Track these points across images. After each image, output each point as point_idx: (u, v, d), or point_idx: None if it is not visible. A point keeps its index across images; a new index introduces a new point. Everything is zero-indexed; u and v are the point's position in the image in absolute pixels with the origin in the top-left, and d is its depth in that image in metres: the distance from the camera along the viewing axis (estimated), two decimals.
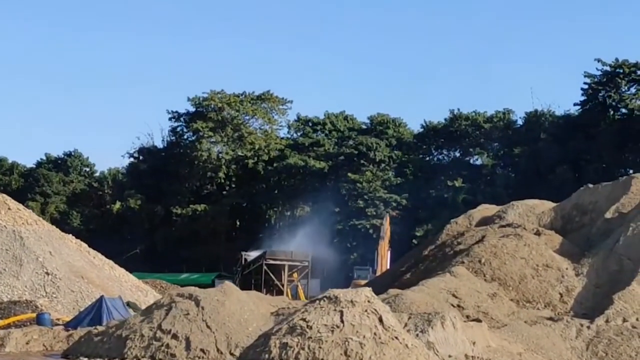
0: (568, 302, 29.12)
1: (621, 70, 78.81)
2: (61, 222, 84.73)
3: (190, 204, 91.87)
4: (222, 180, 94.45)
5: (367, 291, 18.97)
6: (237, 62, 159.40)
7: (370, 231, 78.57)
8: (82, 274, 37.90)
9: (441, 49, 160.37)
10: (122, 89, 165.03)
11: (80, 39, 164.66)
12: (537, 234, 32.92)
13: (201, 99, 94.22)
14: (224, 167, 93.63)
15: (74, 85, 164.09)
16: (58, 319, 31.82)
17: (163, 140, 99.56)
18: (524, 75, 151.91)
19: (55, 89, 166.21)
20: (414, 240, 73.45)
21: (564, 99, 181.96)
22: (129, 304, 33.78)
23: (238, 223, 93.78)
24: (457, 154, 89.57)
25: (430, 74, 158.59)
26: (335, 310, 18.16)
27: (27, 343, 26.78)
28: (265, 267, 59.79)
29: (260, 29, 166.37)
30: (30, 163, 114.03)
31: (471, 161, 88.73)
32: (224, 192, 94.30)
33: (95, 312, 30.21)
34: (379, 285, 31.66)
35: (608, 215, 33.61)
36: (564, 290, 29.56)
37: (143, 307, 32.13)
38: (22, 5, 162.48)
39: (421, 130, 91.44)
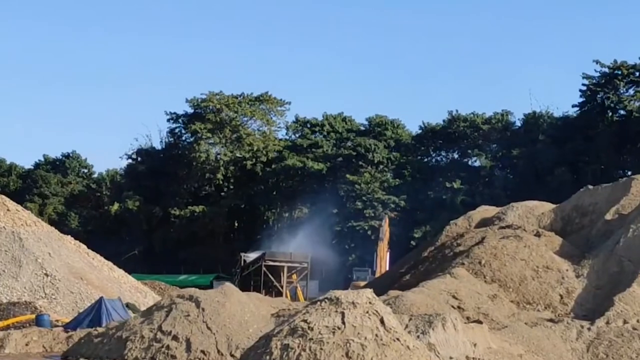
0: (568, 303, 29.05)
1: (619, 72, 78.89)
2: (59, 224, 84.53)
3: (188, 205, 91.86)
4: (220, 182, 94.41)
5: (369, 292, 18.92)
6: (235, 63, 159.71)
7: (369, 232, 78.55)
8: (81, 275, 37.84)
9: (440, 51, 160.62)
10: (120, 90, 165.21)
11: (78, 41, 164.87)
12: (537, 235, 32.84)
13: (199, 100, 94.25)
14: (222, 168, 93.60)
15: (72, 87, 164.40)
16: (57, 320, 31.77)
17: (161, 141, 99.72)
18: (522, 76, 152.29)
19: (54, 91, 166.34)
20: (412, 242, 73.43)
21: (563, 100, 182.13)
22: (128, 305, 33.73)
23: (236, 224, 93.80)
24: (456, 156, 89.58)
25: (428, 75, 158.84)
26: (336, 311, 18.10)
27: (26, 344, 26.72)
28: (264, 268, 59.67)
29: (258, 31, 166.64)
30: (28, 164, 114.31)
31: (469, 163, 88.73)
32: (222, 194, 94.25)
33: (94, 314, 30.16)
34: (379, 287, 31.53)
35: (608, 216, 33.55)
36: (564, 291, 29.49)
37: (142, 308, 32.09)
38: (20, 6, 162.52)
39: (419, 131, 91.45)
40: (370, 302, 18.49)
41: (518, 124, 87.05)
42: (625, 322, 26.57)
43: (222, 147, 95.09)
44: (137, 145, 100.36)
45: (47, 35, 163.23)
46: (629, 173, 61.94)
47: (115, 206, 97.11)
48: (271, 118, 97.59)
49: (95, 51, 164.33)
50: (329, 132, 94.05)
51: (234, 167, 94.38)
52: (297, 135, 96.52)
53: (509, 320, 27.08)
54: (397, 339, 17.83)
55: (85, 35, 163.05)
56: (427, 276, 31.36)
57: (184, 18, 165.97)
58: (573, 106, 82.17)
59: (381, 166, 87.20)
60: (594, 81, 79.84)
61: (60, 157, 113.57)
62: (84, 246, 43.16)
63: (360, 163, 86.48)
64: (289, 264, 61.10)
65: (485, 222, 36.94)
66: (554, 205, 37.26)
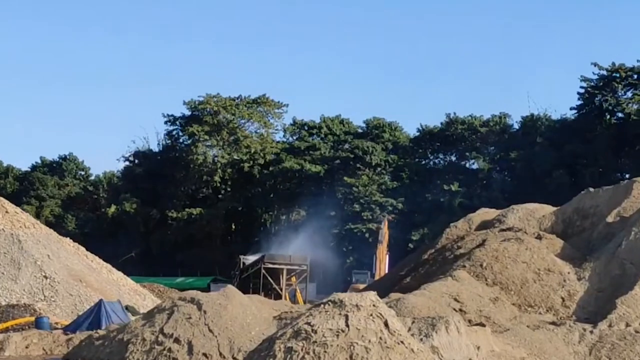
0: (570, 306, 28.95)
1: (618, 75, 78.92)
2: (56, 226, 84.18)
3: (185, 208, 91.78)
4: (218, 184, 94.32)
5: (372, 295, 18.82)
6: (233, 65, 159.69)
7: (367, 235, 78.50)
8: (80, 278, 37.75)
9: (437, 53, 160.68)
10: (117, 92, 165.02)
11: (76, 43, 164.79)
12: (538, 238, 32.74)
13: (197, 102, 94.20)
14: (219, 170, 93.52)
15: (69, 89, 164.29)
16: (57, 323, 31.71)
17: (158, 143, 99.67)
18: (520, 79, 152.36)
19: (51, 92, 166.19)
20: (410, 244, 73.37)
21: (561, 103, 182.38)
22: (127, 308, 33.64)
23: (233, 227, 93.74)
24: (453, 158, 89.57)
25: (426, 78, 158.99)
26: (340, 314, 17.99)
27: (26, 347, 26.65)
28: (263, 270, 59.58)
29: (256, 33, 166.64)
30: (25, 166, 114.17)
31: (467, 165, 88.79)
32: (220, 196, 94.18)
33: (94, 316, 30.10)
34: (379, 289, 31.25)
35: (609, 219, 33.45)
36: (566, 294, 29.39)
37: (141, 311, 32.01)
38: (19, 6, 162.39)
39: (417, 134, 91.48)
40: (374, 305, 18.39)
41: (516, 126, 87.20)
42: (627, 325, 26.50)
43: (219, 149, 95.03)
44: (135, 148, 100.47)
45: (44, 36, 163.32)
46: (627, 176, 62.03)
47: (112, 208, 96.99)
48: (269, 120, 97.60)
49: (92, 53, 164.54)
50: (326, 134, 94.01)
51: (231, 170, 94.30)
52: (294, 138, 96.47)
53: (511, 323, 26.98)
54: (402, 342, 17.73)
55: (82, 37, 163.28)
56: (427, 279, 31.23)
57: (181, 20, 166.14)
58: (571, 109, 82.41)
59: (379, 169, 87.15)
60: (592, 84, 79.89)
61: (57, 159, 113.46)
62: (82, 248, 43.08)
63: (358, 165, 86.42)
64: (288, 267, 61.03)
65: (485, 225, 36.84)
66: (554, 208, 37.16)
